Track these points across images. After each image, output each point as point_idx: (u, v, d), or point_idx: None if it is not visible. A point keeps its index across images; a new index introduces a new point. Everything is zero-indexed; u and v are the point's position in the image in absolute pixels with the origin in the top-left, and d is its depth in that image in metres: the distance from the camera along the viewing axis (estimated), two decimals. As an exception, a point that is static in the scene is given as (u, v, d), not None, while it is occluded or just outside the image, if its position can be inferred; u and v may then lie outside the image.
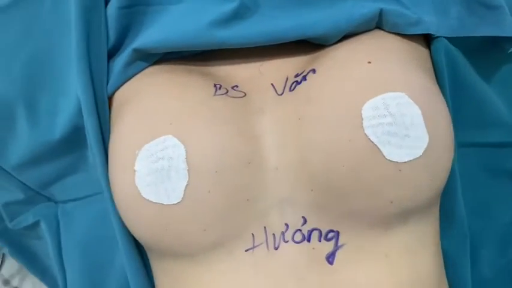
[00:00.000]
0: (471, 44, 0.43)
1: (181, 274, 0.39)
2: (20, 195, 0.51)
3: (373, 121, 0.35)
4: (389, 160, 0.34)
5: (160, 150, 0.36)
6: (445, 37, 0.41)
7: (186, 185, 0.35)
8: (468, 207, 0.43)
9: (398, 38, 0.40)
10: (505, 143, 0.46)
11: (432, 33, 0.41)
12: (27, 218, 0.53)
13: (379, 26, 0.41)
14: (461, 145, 0.43)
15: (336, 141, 0.35)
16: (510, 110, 0.46)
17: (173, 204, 0.35)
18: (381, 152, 0.34)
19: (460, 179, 0.42)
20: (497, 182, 0.46)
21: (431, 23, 0.40)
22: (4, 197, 0.52)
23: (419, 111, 0.35)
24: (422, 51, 0.41)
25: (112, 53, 0.43)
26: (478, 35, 0.41)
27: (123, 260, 0.43)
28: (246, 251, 0.37)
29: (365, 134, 0.34)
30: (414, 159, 0.35)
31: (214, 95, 0.39)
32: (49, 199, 0.52)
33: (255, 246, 0.37)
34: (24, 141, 0.46)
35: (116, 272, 0.47)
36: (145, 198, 0.36)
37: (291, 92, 0.39)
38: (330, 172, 0.35)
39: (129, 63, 0.41)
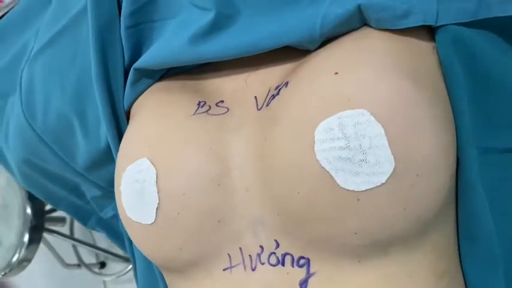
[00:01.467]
0: (500, 27, 0.34)
1: (174, 286, 0.41)
2: (98, 192, 0.59)
3: (325, 145, 0.31)
4: (344, 188, 0.30)
5: (137, 172, 0.38)
6: (460, 24, 0.33)
7: (157, 207, 0.37)
8: (507, 225, 0.35)
9: (386, 35, 0.34)
10: None
11: (430, 24, 0.33)
12: (110, 210, 0.62)
13: (367, 23, 0.35)
14: (496, 151, 0.35)
15: (291, 166, 0.32)
16: None
17: (149, 224, 0.37)
18: (334, 179, 0.31)
19: (499, 191, 0.35)
20: None
21: (427, 12, 0.33)
22: (89, 192, 0.61)
23: (381, 131, 0.30)
24: (419, 47, 0.34)
25: (129, 72, 0.46)
26: (503, 14, 0.32)
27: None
28: (224, 270, 0.37)
29: (317, 160, 0.31)
30: (375, 187, 0.30)
31: (194, 113, 0.39)
32: None
33: (233, 266, 0.37)
34: (83, 148, 0.52)
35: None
36: (129, 217, 0.38)
37: (267, 108, 0.37)
38: (287, 198, 0.33)
39: (135, 81, 0.44)
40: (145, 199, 0.37)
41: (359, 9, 0.34)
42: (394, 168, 0.30)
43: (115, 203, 0.60)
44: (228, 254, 0.37)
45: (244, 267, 0.37)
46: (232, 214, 0.36)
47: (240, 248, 0.37)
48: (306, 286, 0.35)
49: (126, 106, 0.46)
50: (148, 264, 0.55)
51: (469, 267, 0.36)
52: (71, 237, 1.18)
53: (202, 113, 0.39)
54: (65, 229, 1.23)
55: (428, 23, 0.33)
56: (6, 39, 0.60)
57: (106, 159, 0.52)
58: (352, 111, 0.30)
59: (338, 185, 0.31)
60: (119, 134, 0.46)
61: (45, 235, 1.11)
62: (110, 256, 1.04)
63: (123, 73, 0.46)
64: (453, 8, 0.33)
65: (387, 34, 0.34)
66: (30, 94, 0.53)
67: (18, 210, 1.00)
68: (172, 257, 0.38)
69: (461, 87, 0.33)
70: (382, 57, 0.33)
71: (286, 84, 0.36)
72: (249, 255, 0.37)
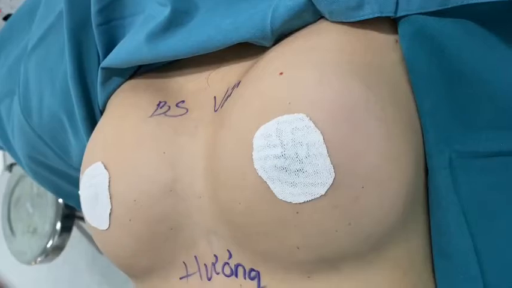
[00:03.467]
0: (480, 16, 0.29)
1: None
2: None
3: (262, 152, 0.28)
4: (282, 200, 0.28)
5: (92, 177, 0.37)
6: (428, 13, 0.29)
7: (110, 213, 0.36)
8: (503, 234, 0.31)
9: (342, 29, 0.31)
10: None
11: (388, 15, 0.30)
12: None
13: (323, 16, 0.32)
14: (482, 155, 0.31)
15: (232, 175, 0.30)
16: None
17: (104, 229, 0.36)
18: (271, 190, 0.28)
19: (487, 199, 0.31)
20: None
21: (384, 2, 0.29)
22: None
23: (320, 138, 0.27)
24: (380, 41, 0.31)
25: None
26: (478, 1, 0.28)
27: None
28: (180, 278, 0.36)
29: (254, 168, 0.29)
30: (314, 199, 0.27)
31: (152, 115, 0.37)
32: None
33: (189, 275, 0.36)
34: (74, 146, 0.52)
35: None
36: (88, 221, 0.38)
37: (221, 109, 0.34)
38: (230, 209, 0.31)
39: (104, 80, 0.43)
40: (99, 204, 0.36)
41: (310, 1, 0.31)
42: (334, 179, 0.27)
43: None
44: (184, 262, 0.36)
45: (201, 276, 0.35)
46: (186, 221, 0.35)
47: (195, 257, 0.35)
48: None
49: (100, 105, 0.45)
50: None
51: (443, 284, 0.32)
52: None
53: (160, 114, 0.37)
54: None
55: (385, 14, 0.30)
56: (15, 37, 0.61)
57: None
58: (291, 116, 0.28)
59: (276, 196, 0.28)
60: None
61: (82, 223, 1.15)
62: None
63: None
64: None
65: (343, 28, 0.31)
66: (26, 92, 0.53)
67: (51, 200, 1.04)
68: (128, 263, 0.37)
69: (427, 85, 0.30)
70: (332, 55, 0.30)
71: (238, 84, 0.33)
72: (205, 264, 0.35)
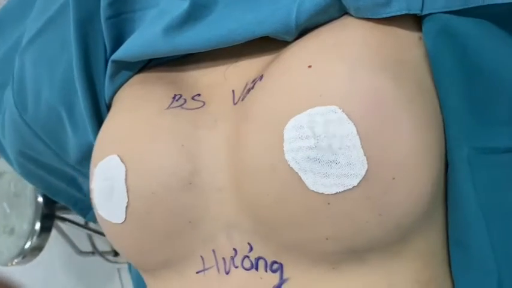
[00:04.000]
0: (498, 16, 0.30)
1: (150, 285, 0.40)
2: None
3: (294, 144, 0.28)
4: (314, 191, 0.28)
5: (107, 169, 0.36)
6: (451, 12, 0.30)
7: (127, 206, 0.35)
8: (506, 234, 0.32)
9: (368, 25, 0.31)
10: None
11: (414, 13, 0.30)
12: None
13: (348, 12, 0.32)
14: (496, 151, 0.32)
15: (260, 166, 0.30)
16: None
17: (119, 223, 0.36)
18: (303, 181, 0.28)
19: (500, 194, 0.32)
20: None
21: (411, 0, 0.30)
22: (86, 185, 0.60)
23: (353, 130, 0.27)
24: (405, 38, 0.31)
25: None
26: (496, 2, 0.29)
27: None
28: (197, 272, 0.36)
29: (285, 160, 0.29)
30: (346, 190, 0.28)
31: (168, 107, 0.37)
32: None
33: (206, 269, 0.35)
34: (73, 142, 0.51)
35: None
36: (100, 215, 0.37)
37: (242, 102, 0.34)
38: (257, 201, 0.31)
39: (113, 74, 0.42)
40: (114, 198, 0.35)
41: None
42: (367, 171, 0.27)
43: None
44: (201, 256, 0.35)
45: (218, 270, 0.35)
46: (204, 215, 0.35)
47: (213, 250, 0.35)
48: None
49: (107, 99, 0.44)
50: None
51: (459, 276, 0.33)
52: (83, 225, 1.19)
53: (177, 107, 0.37)
54: (79, 217, 1.24)
55: (412, 12, 0.30)
56: (4, 29, 0.59)
57: None
58: (323, 108, 0.28)
59: (307, 187, 0.28)
60: None
61: (60, 223, 1.12)
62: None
63: (105, 65, 0.44)
64: None
65: (368, 24, 0.31)
66: (21, 85, 0.52)
67: (30, 199, 1.01)
68: (144, 258, 0.37)
69: (450, 81, 0.30)
70: (359, 50, 0.30)
71: (261, 77, 0.33)
72: (223, 258, 0.35)
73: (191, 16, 0.36)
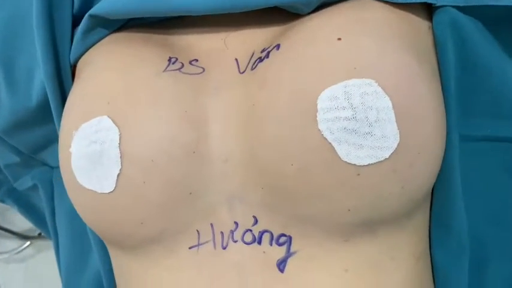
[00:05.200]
0: (494, 15, 0.33)
1: (126, 266, 0.36)
2: (16, 158, 0.51)
3: (329, 114, 0.28)
4: (345, 162, 0.28)
5: (94, 132, 0.32)
6: (456, 6, 0.33)
7: (119, 174, 0.32)
8: (480, 213, 0.36)
9: (387, 7, 0.32)
10: None
11: (432, 2, 0.32)
12: (27, 181, 0.54)
13: None
14: (472, 139, 0.36)
15: (285, 135, 0.29)
16: None
17: (105, 193, 0.32)
18: (335, 151, 0.28)
19: (470, 180, 0.35)
20: None
21: None
22: (4, 159, 0.52)
23: (389, 104, 0.28)
24: (418, 25, 0.33)
25: (78, 20, 0.39)
26: (501, 3, 0.32)
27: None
28: (189, 248, 0.34)
29: (318, 130, 0.28)
30: (377, 162, 0.28)
31: (165, 70, 0.34)
32: (44, 163, 0.52)
33: (200, 244, 0.34)
34: (6, 105, 0.44)
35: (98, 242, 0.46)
36: (79, 183, 0.33)
37: (252, 71, 0.33)
38: (277, 170, 0.30)
39: (87, 30, 0.38)
40: (103, 164, 0.32)
41: None
42: (398, 144, 0.28)
43: (34, 172, 0.53)
44: (197, 230, 0.33)
45: (214, 245, 0.33)
46: (206, 186, 0.33)
47: (212, 224, 0.33)
48: (285, 266, 0.32)
49: (72, 59, 0.39)
50: (76, 239, 0.48)
51: (438, 253, 0.35)
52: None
53: (175, 70, 0.34)
54: None
55: (430, 1, 0.32)
56: None
57: (34, 121, 0.45)
58: (359, 81, 0.28)
59: (339, 158, 0.28)
60: (61, 91, 0.40)
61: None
62: (2, 232, 0.92)
63: (71, 21, 0.40)
64: None
65: (387, 6, 0.33)
66: None
67: None
68: (131, 232, 0.33)
69: (451, 71, 0.33)
70: (382, 28, 0.31)
71: (278, 46, 0.32)
72: (221, 232, 0.33)
73: None
